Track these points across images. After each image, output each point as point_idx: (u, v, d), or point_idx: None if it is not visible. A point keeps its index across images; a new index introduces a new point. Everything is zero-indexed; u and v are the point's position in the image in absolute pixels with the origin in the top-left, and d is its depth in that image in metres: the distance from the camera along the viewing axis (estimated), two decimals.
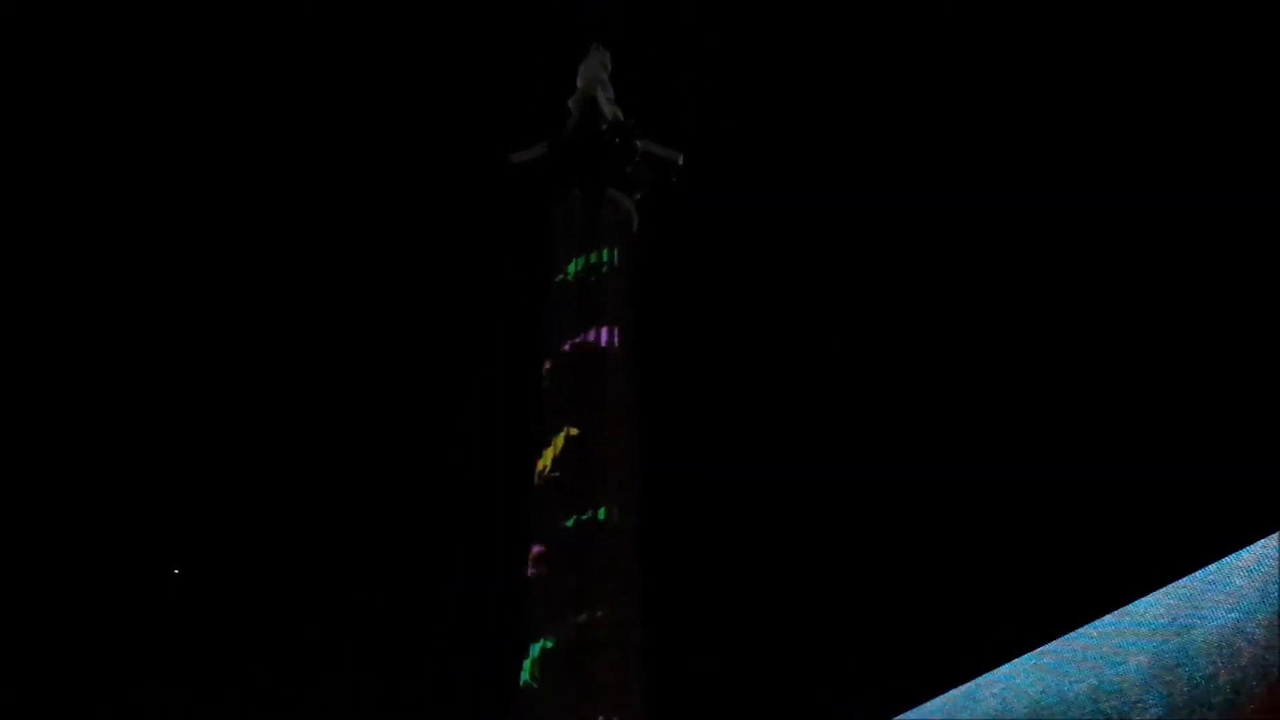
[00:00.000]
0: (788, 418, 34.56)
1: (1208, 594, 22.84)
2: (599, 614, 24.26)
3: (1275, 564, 21.92)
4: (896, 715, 26.69)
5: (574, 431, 26.13)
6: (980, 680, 25.68)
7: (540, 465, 26.19)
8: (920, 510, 33.38)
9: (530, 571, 25.35)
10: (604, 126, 29.70)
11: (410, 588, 31.65)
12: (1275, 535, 22.17)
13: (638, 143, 29.83)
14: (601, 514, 25.25)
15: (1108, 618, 24.17)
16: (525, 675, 24.13)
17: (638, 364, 27.96)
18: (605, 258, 28.18)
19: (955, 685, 25.72)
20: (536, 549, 25.49)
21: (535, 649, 24.31)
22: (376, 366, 33.68)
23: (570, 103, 30.12)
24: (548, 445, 26.24)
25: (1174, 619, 23.13)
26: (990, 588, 32.07)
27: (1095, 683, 24.04)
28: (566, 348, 27.32)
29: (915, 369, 34.24)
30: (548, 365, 27.41)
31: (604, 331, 27.51)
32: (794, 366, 34.57)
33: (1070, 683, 24.38)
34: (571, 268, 27.81)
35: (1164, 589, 23.46)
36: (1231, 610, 22.38)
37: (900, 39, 34.99)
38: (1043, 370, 34.07)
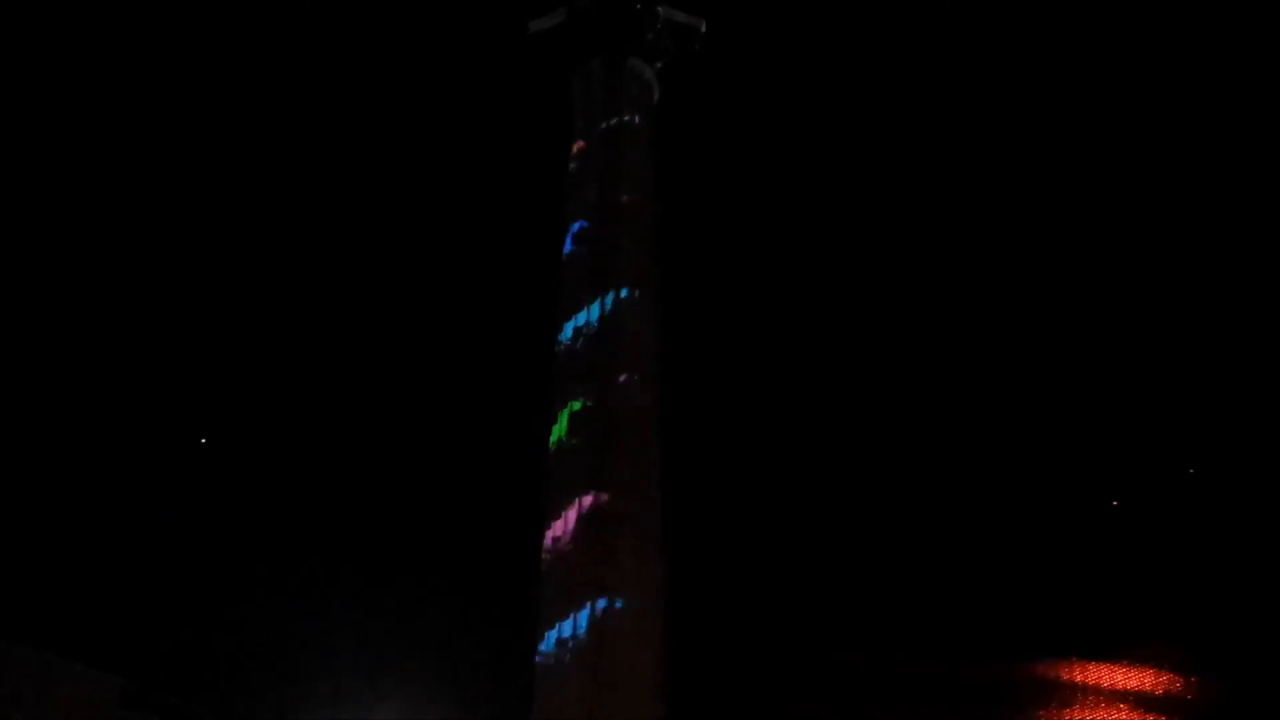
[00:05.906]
0: (812, 293, 34.17)
1: None
2: (618, 487, 24.22)
3: None
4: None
5: (594, 306, 25.88)
6: None
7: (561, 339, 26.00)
8: (939, 375, 33.03)
9: (550, 448, 25.21)
10: None
11: (429, 459, 31.65)
12: None
13: (659, 9, 29.26)
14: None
15: None
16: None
17: (659, 237, 27.63)
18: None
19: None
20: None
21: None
22: (397, 239, 33.39)
23: None
24: (568, 318, 25.98)
25: None
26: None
27: None
28: (585, 219, 27.00)
29: (939, 226, 33.63)
30: (580, 229, 26.99)
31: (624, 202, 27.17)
32: (817, 239, 34.06)
33: None
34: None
35: None
36: None
37: None
38: None
